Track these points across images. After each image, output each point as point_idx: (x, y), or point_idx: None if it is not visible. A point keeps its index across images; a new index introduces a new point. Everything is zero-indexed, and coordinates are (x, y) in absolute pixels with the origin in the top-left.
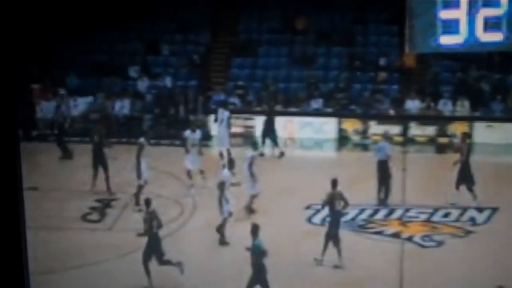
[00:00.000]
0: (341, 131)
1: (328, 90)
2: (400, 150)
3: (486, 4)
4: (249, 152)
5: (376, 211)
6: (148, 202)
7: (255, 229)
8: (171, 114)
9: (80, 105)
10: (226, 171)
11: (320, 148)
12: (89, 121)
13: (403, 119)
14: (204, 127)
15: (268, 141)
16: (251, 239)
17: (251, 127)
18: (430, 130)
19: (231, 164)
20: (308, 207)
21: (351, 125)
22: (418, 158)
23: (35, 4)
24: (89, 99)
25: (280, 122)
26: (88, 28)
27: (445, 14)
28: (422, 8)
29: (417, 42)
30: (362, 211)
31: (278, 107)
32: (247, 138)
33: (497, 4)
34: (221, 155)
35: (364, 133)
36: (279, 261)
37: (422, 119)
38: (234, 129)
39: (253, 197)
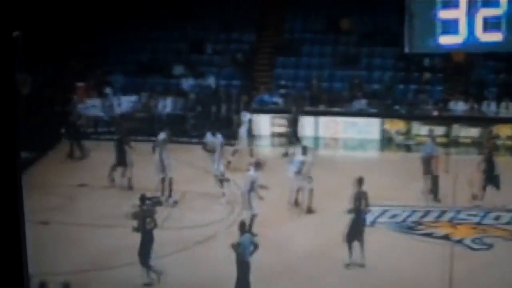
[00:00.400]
0: (384, 131)
1: (372, 90)
2: (444, 151)
3: (485, 4)
4: (298, 156)
5: (426, 213)
6: (143, 198)
7: (242, 226)
8: (213, 113)
9: (123, 103)
10: (252, 172)
11: (363, 149)
12: (133, 119)
13: (447, 120)
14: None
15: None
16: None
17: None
18: (474, 132)
19: (258, 165)
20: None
21: (394, 126)
22: (463, 160)
23: (79, 3)
24: (133, 98)
25: (324, 122)
26: (133, 27)
27: (444, 14)
28: (421, 8)
29: (416, 42)
30: (412, 213)
31: (322, 107)
32: (290, 138)
33: (496, 4)
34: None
35: (407, 134)
36: (322, 262)
37: (466, 120)
38: (277, 129)
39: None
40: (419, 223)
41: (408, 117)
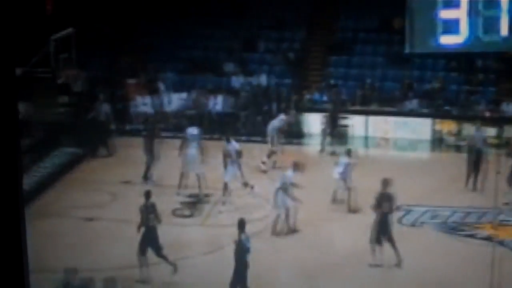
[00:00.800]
0: (435, 132)
1: (424, 90)
2: (496, 152)
3: (486, 4)
4: (343, 158)
5: (468, 214)
6: (148, 194)
7: (241, 224)
8: (264, 112)
9: (174, 101)
10: (288, 173)
11: (413, 149)
12: (183, 117)
13: (499, 121)
14: (297, 125)
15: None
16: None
17: (345, 126)
18: None
19: (296, 167)
20: (398, 208)
21: (446, 126)
22: None
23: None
24: (184, 95)
25: (375, 122)
26: (185, 25)
27: (445, 14)
28: (422, 8)
29: (416, 42)
30: (454, 213)
31: (373, 106)
32: (341, 137)
33: (497, 4)
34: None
35: (458, 134)
36: (364, 261)
37: None
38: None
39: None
40: (462, 224)
41: (460, 118)
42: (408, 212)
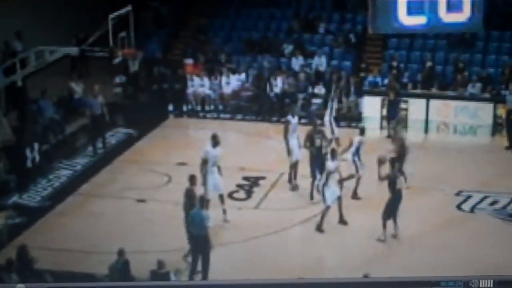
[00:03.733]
0: (496, 117)
1: (486, 74)
2: None
3: None
4: (356, 137)
5: None
6: (192, 179)
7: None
8: (321, 94)
9: (232, 82)
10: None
11: (474, 134)
12: (241, 98)
13: None
14: (356, 108)
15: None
16: None
17: (405, 109)
18: None
19: (333, 154)
20: (458, 194)
21: None
22: None
23: None
24: (242, 76)
25: (436, 106)
26: (245, 5)
27: None
28: None
29: (379, 23)
30: None
31: (434, 90)
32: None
33: None
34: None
35: None
36: (423, 245)
37: None
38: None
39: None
40: None
41: None
42: (467, 198)
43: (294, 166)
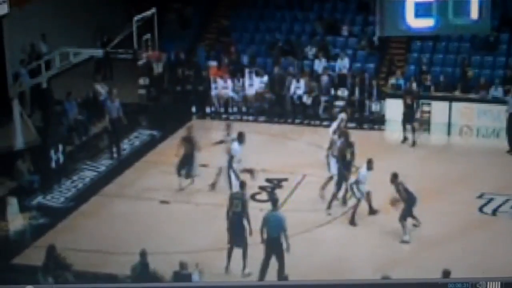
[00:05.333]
0: None
1: (509, 77)
2: None
3: None
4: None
5: None
6: (242, 184)
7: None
8: (345, 97)
9: (255, 84)
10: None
11: (496, 137)
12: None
13: None
14: (380, 111)
15: (408, 127)
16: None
17: (428, 112)
18: None
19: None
20: (480, 196)
21: None
22: None
23: None
24: (265, 78)
25: (459, 109)
26: (268, 7)
27: None
28: None
29: (387, 26)
30: None
31: (457, 93)
32: (423, 124)
33: None
34: None
35: None
36: (447, 248)
37: None
38: None
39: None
40: None
41: None
42: (489, 200)
43: (330, 179)
